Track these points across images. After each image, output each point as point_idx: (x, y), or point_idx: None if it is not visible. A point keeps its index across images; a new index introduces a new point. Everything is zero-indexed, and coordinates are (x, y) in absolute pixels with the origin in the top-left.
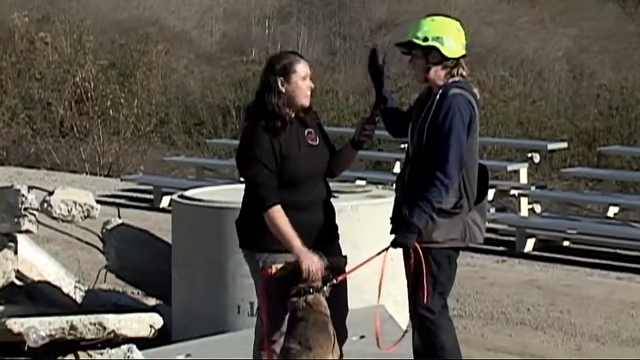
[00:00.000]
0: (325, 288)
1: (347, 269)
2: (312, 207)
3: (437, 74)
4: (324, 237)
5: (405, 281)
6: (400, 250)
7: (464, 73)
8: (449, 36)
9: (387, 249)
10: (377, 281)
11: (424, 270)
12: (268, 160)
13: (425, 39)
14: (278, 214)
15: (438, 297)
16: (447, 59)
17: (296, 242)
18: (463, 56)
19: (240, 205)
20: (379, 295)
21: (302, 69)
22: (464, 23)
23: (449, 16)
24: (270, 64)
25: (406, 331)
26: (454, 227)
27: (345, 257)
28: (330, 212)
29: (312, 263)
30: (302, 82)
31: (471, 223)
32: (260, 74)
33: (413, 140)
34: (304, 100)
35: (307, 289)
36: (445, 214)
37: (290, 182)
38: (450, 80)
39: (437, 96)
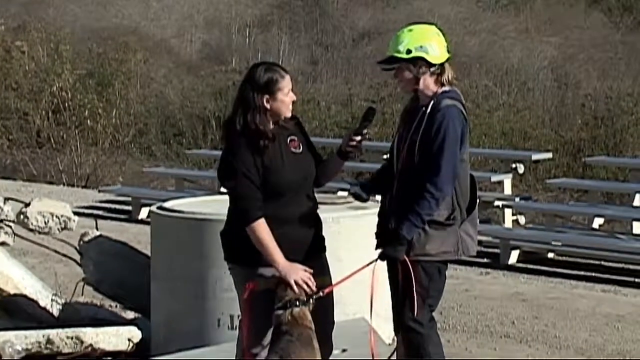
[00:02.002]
0: (311, 301)
1: (332, 282)
2: (299, 219)
3: (426, 83)
4: (310, 250)
5: (388, 294)
6: (383, 263)
7: (451, 77)
8: (431, 43)
9: (375, 261)
10: (361, 294)
11: (414, 283)
12: (250, 172)
13: (409, 51)
14: (261, 227)
15: (427, 309)
16: (434, 65)
17: (279, 257)
18: (447, 60)
19: (221, 217)
20: (370, 311)
21: (286, 85)
22: (447, 32)
23: (424, 23)
24: (252, 79)
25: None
26: (447, 240)
27: (330, 276)
28: (317, 225)
29: (299, 276)
30: (285, 98)
31: (464, 235)
32: (239, 85)
33: (402, 153)
34: (287, 113)
35: (293, 301)
36: (438, 225)
37: (275, 192)
38: (441, 90)
39: (429, 108)
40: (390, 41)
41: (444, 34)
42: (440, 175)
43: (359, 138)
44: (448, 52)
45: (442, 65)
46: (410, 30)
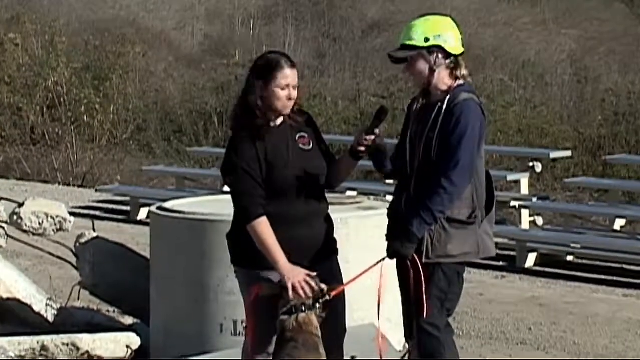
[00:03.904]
0: (317, 305)
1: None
2: (307, 220)
3: (441, 76)
4: (319, 252)
5: (399, 299)
6: (393, 266)
7: (465, 73)
8: (448, 33)
9: (383, 259)
10: (370, 299)
11: (433, 287)
12: (251, 168)
13: (427, 39)
14: (263, 226)
15: (445, 314)
16: (451, 56)
17: (280, 257)
18: (461, 54)
19: (224, 218)
20: (378, 313)
21: (282, 77)
22: (460, 24)
23: (438, 14)
24: (255, 63)
25: (408, 350)
26: (468, 240)
27: (342, 280)
28: (327, 225)
29: (298, 279)
30: (280, 92)
31: (484, 235)
32: (245, 76)
33: (418, 151)
34: (283, 109)
35: (299, 306)
36: (459, 224)
37: (280, 190)
38: (455, 84)
39: (445, 103)
40: (402, 32)
41: (457, 27)
42: (456, 170)
43: (371, 137)
44: (462, 46)
45: (457, 58)
46: (427, 19)
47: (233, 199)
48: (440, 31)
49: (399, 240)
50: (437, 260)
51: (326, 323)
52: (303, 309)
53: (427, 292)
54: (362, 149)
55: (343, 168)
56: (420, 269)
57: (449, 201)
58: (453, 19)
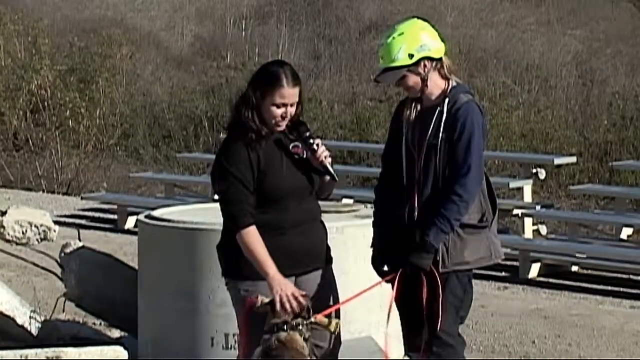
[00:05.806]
0: (301, 327)
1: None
2: (300, 228)
3: (433, 82)
4: (314, 261)
5: (396, 312)
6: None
7: (450, 64)
8: (427, 38)
9: (399, 272)
10: (367, 311)
11: (449, 295)
12: (243, 175)
13: (411, 56)
14: (251, 235)
15: (459, 322)
16: (437, 60)
17: (270, 268)
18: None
19: (215, 227)
20: (387, 327)
21: (278, 94)
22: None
23: (406, 19)
24: (255, 74)
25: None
26: (481, 244)
27: (336, 290)
28: (321, 233)
29: (285, 292)
30: (274, 109)
31: (493, 238)
32: (237, 80)
33: (418, 160)
34: (274, 127)
35: (281, 325)
36: (473, 229)
37: (273, 199)
38: (449, 85)
39: (445, 107)
40: (379, 55)
41: (427, 22)
42: (469, 177)
43: (322, 148)
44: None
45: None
46: (401, 33)
47: (221, 207)
48: (420, 41)
49: (415, 252)
50: (453, 268)
51: (322, 336)
52: (285, 328)
53: (443, 302)
54: (327, 160)
55: (324, 186)
56: (438, 279)
57: (465, 208)
58: (426, 20)
